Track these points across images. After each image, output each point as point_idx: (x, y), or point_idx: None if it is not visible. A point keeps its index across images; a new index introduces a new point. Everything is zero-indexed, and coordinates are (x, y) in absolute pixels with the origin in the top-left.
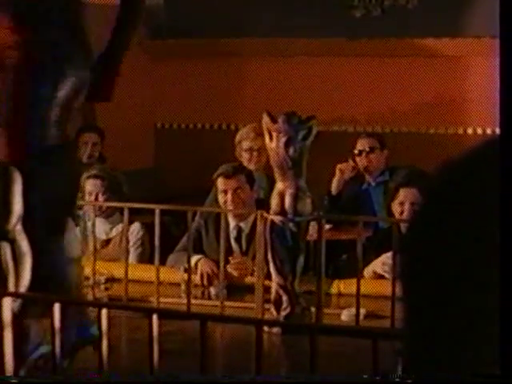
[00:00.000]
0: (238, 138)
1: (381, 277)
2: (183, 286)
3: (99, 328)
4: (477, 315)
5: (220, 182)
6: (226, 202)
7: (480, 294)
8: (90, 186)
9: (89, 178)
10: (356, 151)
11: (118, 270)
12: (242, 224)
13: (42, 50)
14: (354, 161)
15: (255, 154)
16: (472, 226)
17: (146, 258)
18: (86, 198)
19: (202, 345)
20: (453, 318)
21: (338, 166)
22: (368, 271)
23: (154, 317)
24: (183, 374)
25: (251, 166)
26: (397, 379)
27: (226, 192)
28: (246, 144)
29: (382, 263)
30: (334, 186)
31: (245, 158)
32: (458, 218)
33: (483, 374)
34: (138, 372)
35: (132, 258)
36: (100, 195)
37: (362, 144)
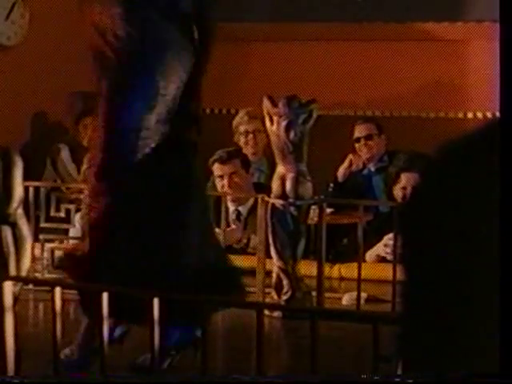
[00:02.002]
0: (234, 123)
1: (384, 260)
2: None
3: (100, 311)
4: (474, 299)
5: (215, 168)
6: (222, 186)
7: (478, 278)
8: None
9: None
10: (354, 138)
11: None
12: (240, 208)
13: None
14: (353, 148)
15: (251, 136)
16: (470, 208)
17: None
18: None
19: (204, 328)
20: (451, 302)
21: (350, 155)
22: (371, 255)
23: (155, 300)
24: (183, 374)
25: (249, 149)
26: (397, 379)
27: (222, 177)
28: (241, 128)
29: (384, 245)
30: (341, 174)
31: (242, 141)
32: (456, 201)
33: (483, 373)
34: (137, 354)
35: None
36: None
37: (359, 131)
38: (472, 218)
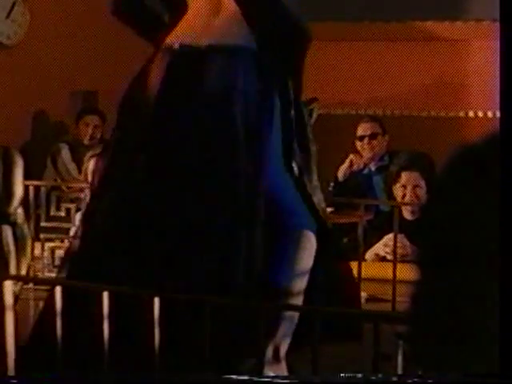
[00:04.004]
0: None
1: (383, 259)
2: None
3: (101, 310)
4: (482, 303)
5: None
6: None
7: (478, 279)
8: (94, 164)
9: (92, 156)
10: (358, 136)
11: None
12: None
13: None
14: (354, 146)
15: None
16: (483, 212)
17: None
18: (89, 178)
19: (204, 328)
20: (451, 303)
21: (351, 156)
22: (370, 254)
23: (156, 300)
24: (183, 374)
25: None
26: (397, 379)
27: None
28: None
29: (384, 245)
30: (341, 174)
31: None
32: (469, 205)
33: (483, 374)
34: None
35: None
36: None
37: (364, 129)
38: (477, 223)
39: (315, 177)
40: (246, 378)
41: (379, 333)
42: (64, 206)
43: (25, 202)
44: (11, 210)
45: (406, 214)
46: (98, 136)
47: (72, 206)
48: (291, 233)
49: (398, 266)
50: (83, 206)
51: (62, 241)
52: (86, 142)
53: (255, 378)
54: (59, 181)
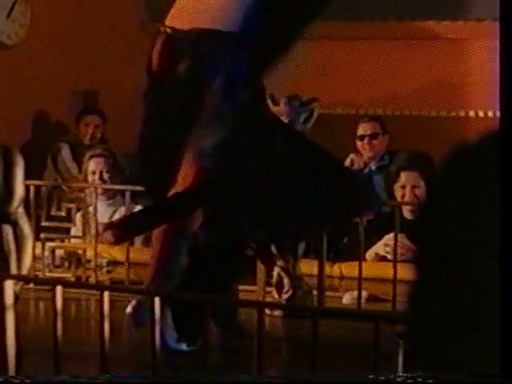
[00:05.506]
0: None
1: (383, 259)
2: None
3: (101, 310)
4: (475, 299)
5: None
6: None
7: (478, 278)
8: (94, 164)
9: (92, 157)
10: (358, 135)
11: (119, 253)
12: None
13: None
14: (355, 146)
15: None
16: (481, 211)
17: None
18: (89, 178)
19: (204, 328)
20: (451, 302)
21: (351, 155)
22: (370, 254)
23: (156, 299)
24: (183, 374)
25: None
26: (398, 379)
27: None
28: None
29: (385, 244)
30: None
31: None
32: (467, 204)
33: (483, 373)
34: (138, 353)
35: (137, 243)
36: (104, 173)
37: (364, 128)
38: (476, 222)
39: None
40: (246, 378)
41: (379, 333)
42: (65, 205)
43: (25, 201)
44: (12, 209)
45: (407, 213)
46: (99, 136)
47: (73, 206)
48: None
49: (399, 265)
50: (83, 206)
51: (63, 240)
52: (86, 141)
53: (255, 378)
54: (60, 180)
